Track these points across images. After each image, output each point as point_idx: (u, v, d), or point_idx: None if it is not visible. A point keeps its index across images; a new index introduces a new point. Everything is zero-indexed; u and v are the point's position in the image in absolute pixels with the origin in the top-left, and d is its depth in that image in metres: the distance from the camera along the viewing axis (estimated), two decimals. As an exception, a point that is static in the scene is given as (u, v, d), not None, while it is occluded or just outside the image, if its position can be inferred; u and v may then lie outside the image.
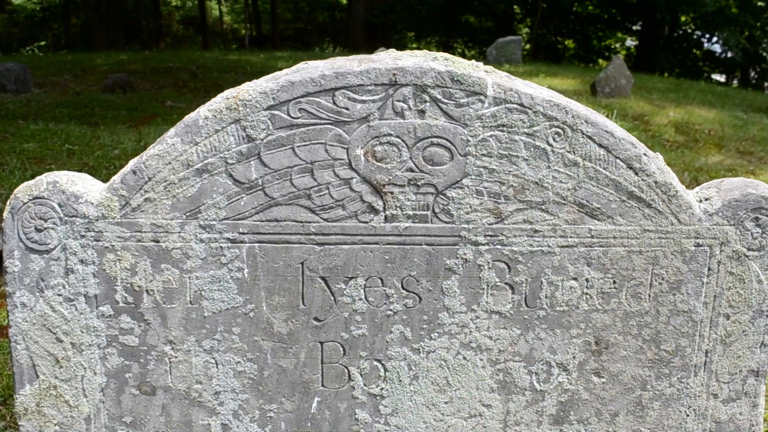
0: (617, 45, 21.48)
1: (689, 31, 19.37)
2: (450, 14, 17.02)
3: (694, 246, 1.27)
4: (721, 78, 20.34)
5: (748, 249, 1.28)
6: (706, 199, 1.29)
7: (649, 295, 1.28)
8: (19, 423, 1.29)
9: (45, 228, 1.21)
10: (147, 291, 1.23)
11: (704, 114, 9.06)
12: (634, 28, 19.98)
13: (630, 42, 21.76)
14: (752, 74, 20.39)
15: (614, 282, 1.27)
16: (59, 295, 1.23)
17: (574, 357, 1.29)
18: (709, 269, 1.28)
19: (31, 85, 9.46)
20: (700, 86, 12.57)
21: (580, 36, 20.27)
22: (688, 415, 1.34)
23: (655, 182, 1.23)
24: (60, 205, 1.21)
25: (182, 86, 9.62)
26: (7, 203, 1.22)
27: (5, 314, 3.64)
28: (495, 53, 10.69)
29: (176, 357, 1.25)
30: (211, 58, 12.15)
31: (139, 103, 8.31)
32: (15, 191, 1.23)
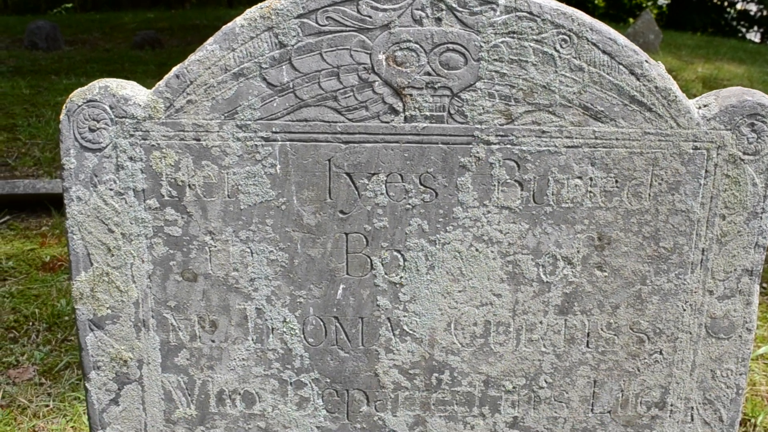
0: (649, 3, 21.06)
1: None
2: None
3: (692, 149, 1.36)
4: (756, 38, 19.88)
5: (744, 153, 1.37)
6: (705, 106, 1.38)
7: (649, 195, 1.38)
8: (76, 307, 1.44)
9: (98, 128, 1.34)
10: (189, 185, 1.36)
11: (733, 69, 8.95)
12: (666, -15, 19.58)
13: (662, 0, 21.32)
14: (788, 33, 19.89)
15: (616, 181, 1.37)
16: (111, 189, 1.36)
17: (578, 251, 1.40)
18: (706, 171, 1.38)
19: (61, 42, 9.62)
20: (731, 43, 12.37)
21: (609, -6, 19.92)
22: (684, 310, 1.45)
23: (656, 87, 1.33)
24: (111, 107, 1.34)
25: (209, 42, 9.69)
26: (63, 107, 1.35)
27: (49, 251, 3.85)
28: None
29: (215, 246, 1.39)
30: (237, 14, 12.21)
31: (168, 58, 8.44)
32: (70, 95, 1.36)
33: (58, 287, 3.40)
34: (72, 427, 2.47)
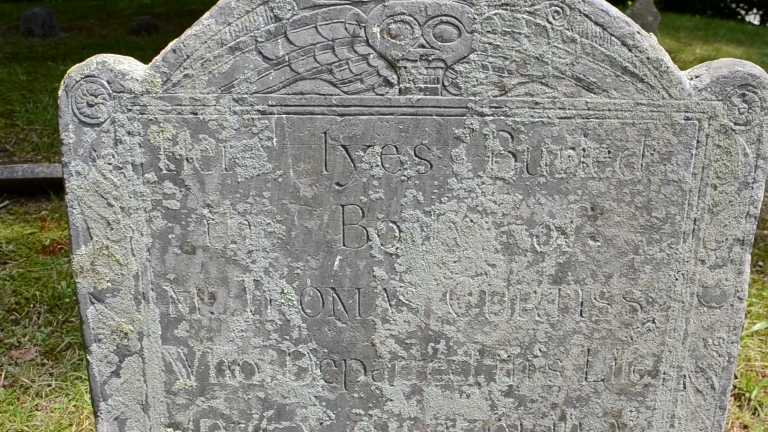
0: (646, -14, 20.93)
1: (722, -30, 18.85)
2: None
3: (684, 119, 1.38)
4: (755, 20, 19.80)
5: (735, 123, 1.39)
6: (696, 77, 1.39)
7: (642, 165, 1.40)
8: (76, 280, 1.46)
9: (96, 103, 1.35)
10: (187, 159, 1.38)
11: (732, 51, 8.94)
12: (665, -33, 19.46)
13: (660, -17, 21.19)
14: (788, 15, 19.81)
15: (609, 152, 1.39)
16: (109, 163, 1.38)
17: (571, 221, 1.42)
18: (697, 142, 1.39)
19: (57, 29, 9.58)
20: (730, 25, 12.34)
21: (608, -23, 19.79)
22: (677, 279, 1.47)
23: (648, 58, 1.34)
24: (109, 82, 1.35)
25: (206, 27, 9.65)
26: (62, 82, 1.37)
27: (49, 234, 3.86)
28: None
29: (213, 219, 1.41)
30: None
31: (164, 43, 8.38)
32: (68, 71, 1.37)
33: (58, 270, 3.43)
34: (74, 405, 2.50)
